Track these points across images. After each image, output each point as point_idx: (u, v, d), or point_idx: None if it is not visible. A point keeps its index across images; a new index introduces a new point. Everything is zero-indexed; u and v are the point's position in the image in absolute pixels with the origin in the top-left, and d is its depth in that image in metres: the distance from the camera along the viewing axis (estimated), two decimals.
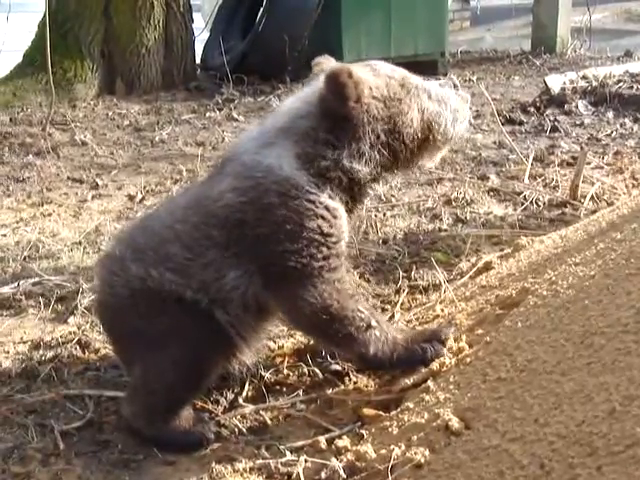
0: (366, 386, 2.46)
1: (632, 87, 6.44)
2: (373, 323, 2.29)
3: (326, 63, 2.49)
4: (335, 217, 2.25)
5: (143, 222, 2.57)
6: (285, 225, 2.19)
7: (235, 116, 6.66)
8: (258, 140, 2.33)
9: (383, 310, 3.05)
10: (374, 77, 2.31)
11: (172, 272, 2.26)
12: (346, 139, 2.24)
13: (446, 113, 2.39)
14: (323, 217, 2.22)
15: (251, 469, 2.11)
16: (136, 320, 2.30)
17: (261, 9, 8.01)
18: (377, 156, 2.28)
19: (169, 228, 2.32)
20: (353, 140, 2.25)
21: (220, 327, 2.29)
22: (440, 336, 2.37)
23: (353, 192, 2.32)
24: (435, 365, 2.27)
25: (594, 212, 3.63)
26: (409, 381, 2.29)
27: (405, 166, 2.45)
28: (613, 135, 5.67)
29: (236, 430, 2.32)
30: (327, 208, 2.23)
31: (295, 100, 2.40)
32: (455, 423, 1.92)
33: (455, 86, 2.48)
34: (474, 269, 3.14)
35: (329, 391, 2.45)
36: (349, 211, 2.34)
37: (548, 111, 6.27)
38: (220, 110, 6.93)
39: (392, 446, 1.97)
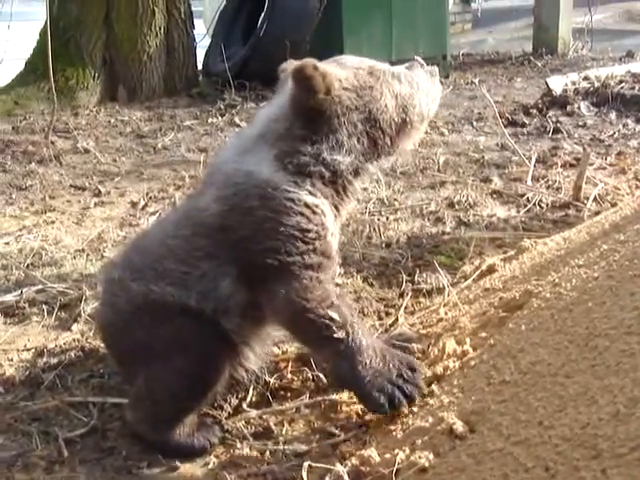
0: None
1: (634, 87, 6.44)
2: (340, 335, 2.16)
3: (291, 67, 2.45)
4: (314, 213, 2.23)
5: (136, 242, 2.57)
6: (264, 224, 2.18)
7: (237, 122, 6.67)
8: (237, 149, 2.35)
9: (387, 314, 3.05)
10: (341, 69, 2.32)
11: (173, 286, 2.26)
12: (323, 132, 2.24)
13: (418, 93, 2.41)
14: (302, 214, 2.20)
15: (255, 474, 2.11)
16: (140, 333, 2.29)
17: (262, 14, 8.02)
18: (357, 145, 2.28)
19: (162, 244, 2.33)
20: (330, 132, 2.25)
21: (225, 335, 2.28)
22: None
23: (336, 186, 2.30)
24: (439, 369, 2.26)
25: (597, 213, 3.63)
26: None
27: (386, 153, 2.42)
28: (615, 136, 5.66)
29: (240, 435, 2.32)
30: (306, 205, 2.21)
31: (269, 106, 2.41)
32: (459, 427, 1.91)
33: (422, 65, 2.49)
34: (477, 272, 3.13)
35: (333, 396, 2.43)
36: (335, 208, 2.32)
37: (550, 112, 6.27)
38: (222, 116, 6.94)
39: (396, 450, 1.96)
